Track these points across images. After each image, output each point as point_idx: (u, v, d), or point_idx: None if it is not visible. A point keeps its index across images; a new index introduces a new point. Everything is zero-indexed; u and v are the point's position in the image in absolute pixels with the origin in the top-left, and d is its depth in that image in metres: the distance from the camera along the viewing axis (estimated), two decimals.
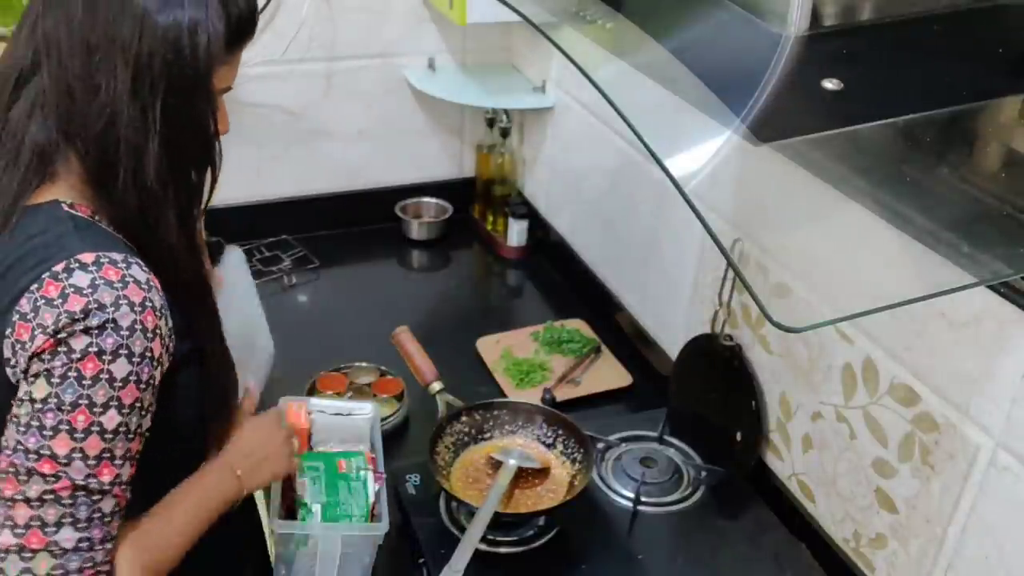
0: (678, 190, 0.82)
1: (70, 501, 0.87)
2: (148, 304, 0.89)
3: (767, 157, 0.91)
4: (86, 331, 0.86)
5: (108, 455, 0.89)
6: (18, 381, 0.88)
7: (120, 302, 0.87)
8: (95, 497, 0.89)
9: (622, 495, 1.51)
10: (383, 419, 1.61)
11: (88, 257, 0.88)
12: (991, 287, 1.06)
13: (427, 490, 1.49)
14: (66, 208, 0.92)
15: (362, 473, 1.30)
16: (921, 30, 0.91)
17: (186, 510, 1.03)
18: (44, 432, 0.86)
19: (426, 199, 2.42)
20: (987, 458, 1.12)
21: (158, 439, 0.96)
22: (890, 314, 1.21)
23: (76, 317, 0.85)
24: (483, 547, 1.38)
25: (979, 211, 1.00)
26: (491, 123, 2.27)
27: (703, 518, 1.49)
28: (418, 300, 2.17)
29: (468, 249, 2.38)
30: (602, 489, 1.53)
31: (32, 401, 0.86)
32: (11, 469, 0.87)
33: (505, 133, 2.27)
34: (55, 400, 0.86)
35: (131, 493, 0.93)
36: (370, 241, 2.35)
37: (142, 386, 0.90)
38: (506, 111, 2.25)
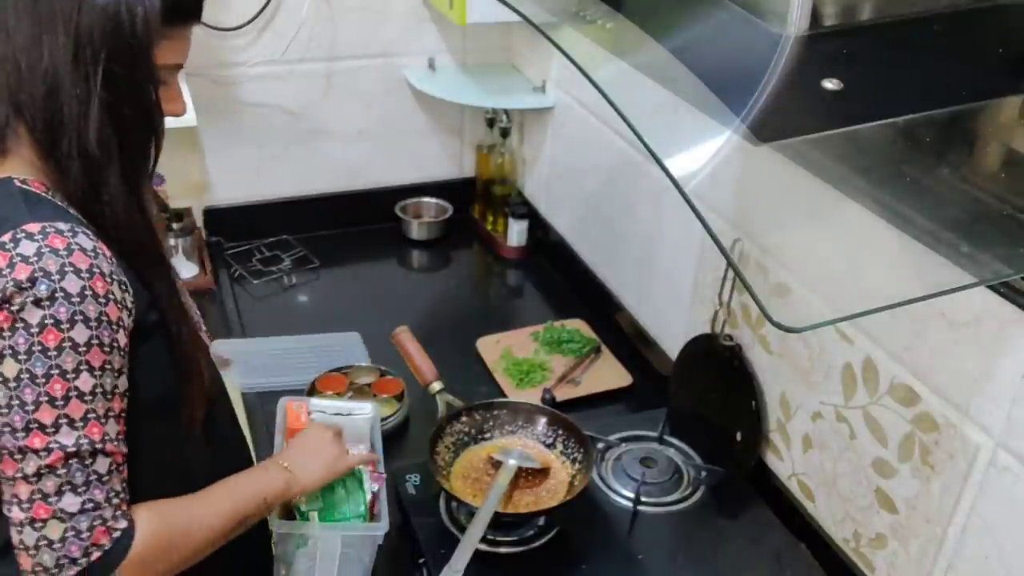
0: (678, 190, 0.82)
1: (64, 470, 0.91)
2: (96, 270, 0.92)
3: (767, 157, 0.91)
4: (37, 302, 0.88)
5: (93, 414, 0.92)
6: None
7: (66, 269, 0.90)
8: (87, 461, 0.92)
9: (622, 495, 1.51)
10: (383, 419, 1.61)
11: (34, 227, 0.91)
12: (991, 287, 1.06)
13: (427, 490, 1.49)
14: (18, 184, 0.95)
15: (358, 471, 1.30)
16: (921, 30, 0.91)
17: (223, 495, 1.08)
18: (27, 407, 0.90)
19: (426, 199, 2.42)
20: (987, 458, 1.12)
21: (131, 415, 0.99)
22: (890, 314, 1.21)
23: (23, 285, 0.88)
24: (483, 547, 1.38)
25: (979, 211, 1.00)
26: (491, 123, 2.27)
27: (703, 518, 1.49)
28: (418, 300, 2.17)
29: (468, 249, 2.38)
30: (602, 489, 1.53)
31: (5, 381, 0.89)
32: (3, 450, 0.91)
33: (505, 133, 2.27)
34: (27, 375, 0.89)
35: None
36: (370, 241, 2.35)
37: (106, 348, 0.93)
38: (506, 111, 2.25)
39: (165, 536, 0.99)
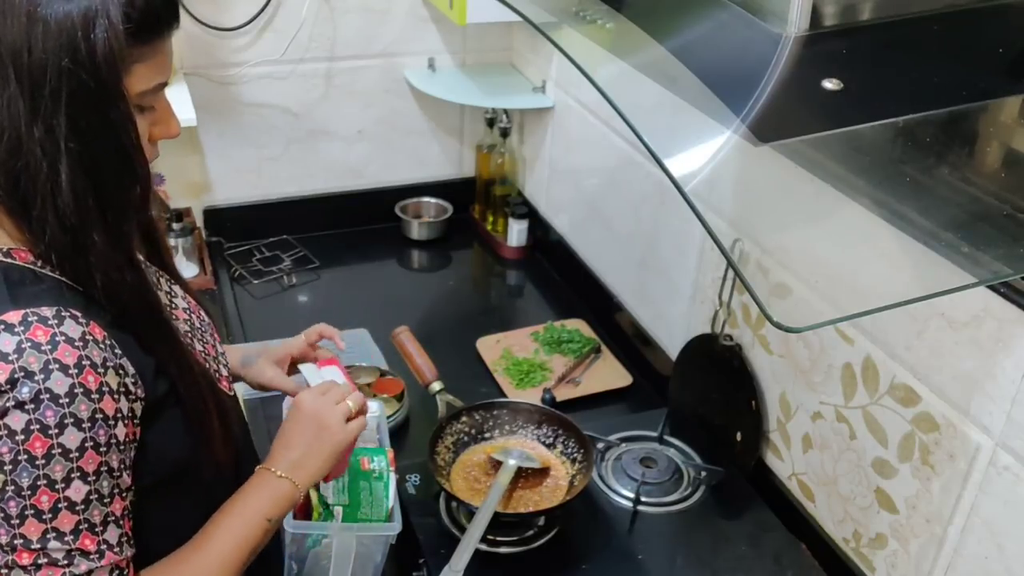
0: (678, 190, 0.82)
1: None
2: (85, 362, 0.82)
3: (767, 157, 0.91)
4: (19, 406, 0.79)
5: (86, 525, 0.83)
6: None
7: (51, 367, 0.80)
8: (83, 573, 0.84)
9: (622, 495, 1.51)
10: None
11: (14, 316, 0.81)
12: (991, 287, 1.06)
13: (427, 490, 1.49)
14: (0, 258, 0.85)
15: (385, 475, 1.30)
16: (921, 30, 0.91)
17: (221, 534, 0.96)
18: (12, 522, 0.81)
19: (426, 199, 2.42)
20: (987, 458, 1.12)
21: (158, 485, 0.92)
22: (890, 314, 1.21)
23: (2, 387, 0.79)
24: (483, 547, 1.38)
25: (979, 211, 1.00)
26: (491, 123, 2.27)
27: (703, 518, 1.49)
28: (418, 300, 2.17)
29: (468, 249, 2.38)
30: (602, 489, 1.53)
31: None
32: None
33: (505, 133, 2.27)
34: (12, 487, 0.80)
35: (140, 545, 0.90)
36: (370, 241, 2.35)
37: (102, 449, 0.83)
38: (506, 111, 2.25)
39: None
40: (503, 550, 1.39)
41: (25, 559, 0.81)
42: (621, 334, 1.96)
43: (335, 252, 2.26)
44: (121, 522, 0.87)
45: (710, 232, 0.87)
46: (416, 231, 2.36)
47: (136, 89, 0.85)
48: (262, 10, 2.05)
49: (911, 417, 1.22)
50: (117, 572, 0.86)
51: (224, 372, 1.10)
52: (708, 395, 1.63)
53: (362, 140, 2.32)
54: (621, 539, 1.44)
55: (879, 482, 1.29)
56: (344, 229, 2.37)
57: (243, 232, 2.28)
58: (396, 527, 1.24)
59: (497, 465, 1.46)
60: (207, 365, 1.04)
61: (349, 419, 1.08)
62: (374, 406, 1.44)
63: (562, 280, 2.21)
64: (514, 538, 1.41)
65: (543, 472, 1.48)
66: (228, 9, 2.04)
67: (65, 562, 0.82)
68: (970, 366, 1.12)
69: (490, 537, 1.39)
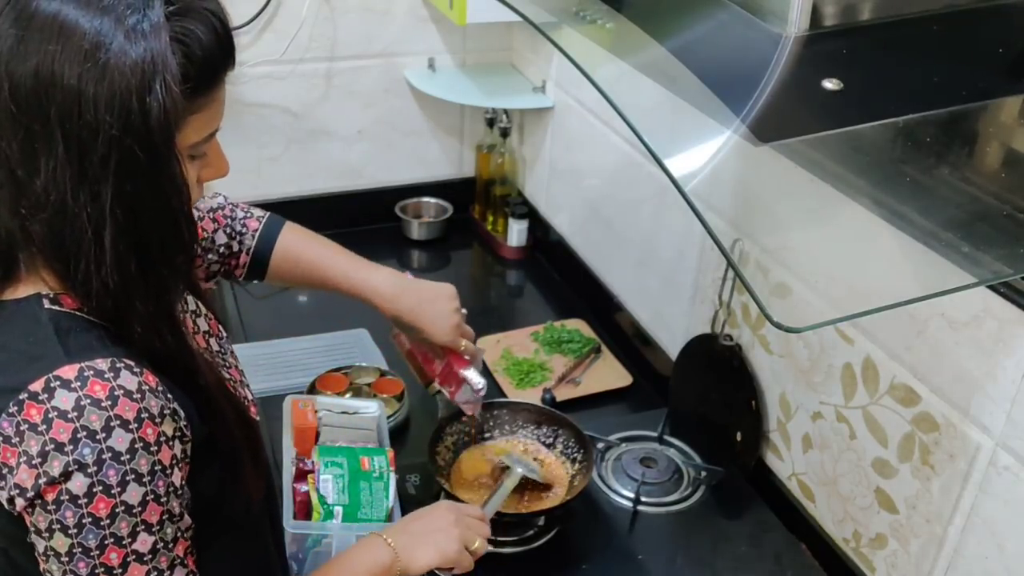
0: (678, 190, 0.82)
1: None
2: (144, 415, 0.79)
3: (767, 157, 0.91)
4: (81, 469, 0.77)
5: (156, 572, 0.83)
6: (12, 511, 0.80)
7: (112, 424, 0.78)
8: None
9: (622, 495, 1.51)
10: None
11: (70, 372, 0.78)
12: (991, 287, 1.06)
13: (427, 490, 1.49)
14: (47, 304, 0.82)
15: (385, 475, 1.30)
16: (921, 30, 0.91)
17: None
18: None
19: (426, 199, 2.42)
20: (987, 458, 1.12)
21: (203, 531, 0.91)
22: (890, 314, 1.21)
23: (63, 446, 0.77)
24: None
25: (979, 211, 1.00)
26: (491, 123, 2.27)
27: (703, 518, 1.49)
28: None
29: (468, 249, 2.38)
30: (602, 489, 1.53)
31: (58, 555, 0.79)
32: None
33: (505, 133, 2.27)
34: (80, 549, 0.79)
35: None
36: (370, 241, 2.34)
37: (163, 500, 0.82)
38: (506, 111, 2.25)
39: None
40: (503, 550, 1.39)
41: None
42: (621, 334, 1.96)
43: None
44: (185, 561, 0.86)
45: (710, 232, 0.87)
46: (416, 231, 2.36)
47: (190, 142, 0.82)
48: (262, 10, 2.05)
49: (911, 417, 1.22)
50: None
51: (250, 396, 1.08)
52: (708, 395, 1.63)
53: (362, 140, 2.32)
54: (621, 539, 1.44)
55: (879, 482, 1.29)
56: (344, 229, 2.35)
57: None
58: None
59: (499, 471, 1.46)
60: (236, 392, 1.02)
61: (467, 547, 1.13)
62: (374, 406, 1.44)
63: (562, 280, 2.21)
64: (514, 538, 1.41)
65: (544, 487, 1.47)
66: (228, 9, 2.03)
67: None
68: (970, 366, 1.12)
69: (490, 537, 1.39)
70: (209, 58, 0.80)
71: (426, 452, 1.46)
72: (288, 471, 1.34)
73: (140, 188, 0.77)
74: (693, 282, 1.69)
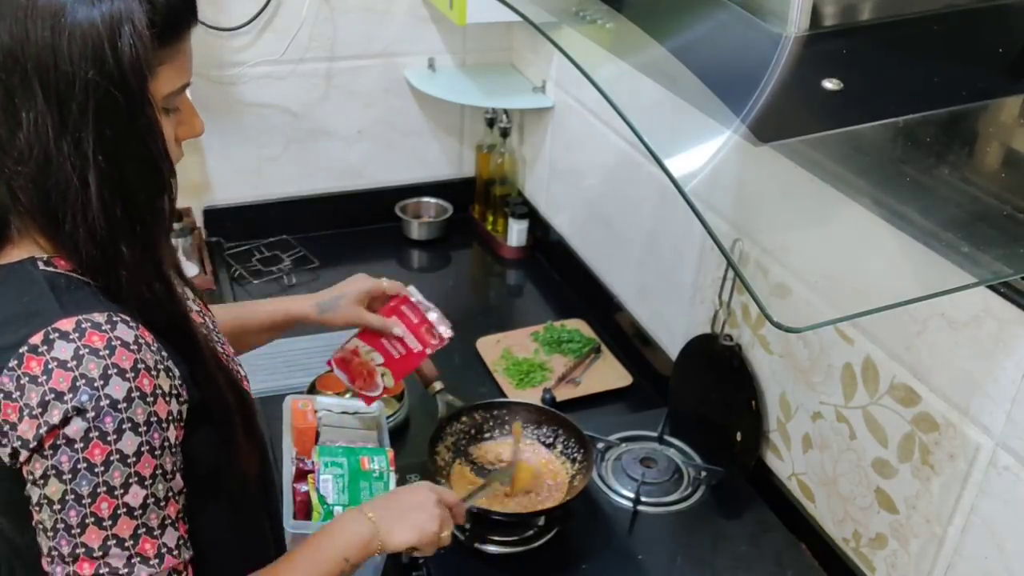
0: (678, 190, 0.82)
1: None
2: (140, 366, 0.82)
3: (767, 157, 0.91)
4: (80, 413, 0.79)
5: (144, 530, 0.84)
6: (14, 466, 0.82)
7: (109, 373, 0.80)
8: None
9: (622, 495, 1.51)
10: None
11: (68, 324, 0.80)
12: (991, 287, 1.06)
13: None
14: (42, 266, 0.85)
15: (385, 475, 1.30)
16: (921, 30, 0.91)
17: (304, 564, 0.99)
18: (72, 531, 0.81)
19: (426, 199, 2.42)
20: (987, 458, 1.12)
21: (189, 493, 0.91)
22: (890, 314, 1.21)
23: (63, 395, 0.79)
24: (483, 547, 1.38)
25: (979, 211, 1.00)
26: (491, 123, 2.27)
27: (703, 518, 1.49)
28: None
29: (468, 249, 2.38)
30: (602, 489, 1.53)
31: (50, 503, 0.81)
32: None
33: (505, 133, 2.27)
34: (72, 496, 0.80)
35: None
36: (370, 241, 2.35)
37: (157, 452, 0.83)
38: (506, 111, 2.25)
39: None
40: (504, 550, 1.39)
41: (87, 569, 0.82)
42: (621, 334, 1.96)
43: (335, 252, 2.26)
44: (177, 524, 0.87)
45: (710, 232, 0.87)
46: (416, 231, 2.36)
47: (162, 92, 0.84)
48: (262, 10, 2.05)
49: (911, 417, 1.22)
50: (175, 574, 0.86)
51: (243, 372, 1.10)
52: (708, 395, 1.63)
53: (362, 140, 2.32)
54: (621, 539, 1.44)
55: (879, 482, 1.29)
56: (344, 229, 2.37)
57: (243, 232, 2.28)
58: None
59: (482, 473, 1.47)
60: (230, 366, 1.04)
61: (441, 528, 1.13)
62: (374, 405, 1.44)
63: (562, 280, 2.21)
64: (514, 538, 1.41)
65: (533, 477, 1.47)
66: (228, 9, 2.04)
67: (126, 571, 0.83)
68: (970, 366, 1.12)
69: (491, 537, 1.39)
70: (172, 7, 0.83)
71: (426, 452, 1.46)
72: (288, 471, 1.34)
73: (119, 132, 0.80)
74: (693, 282, 1.69)
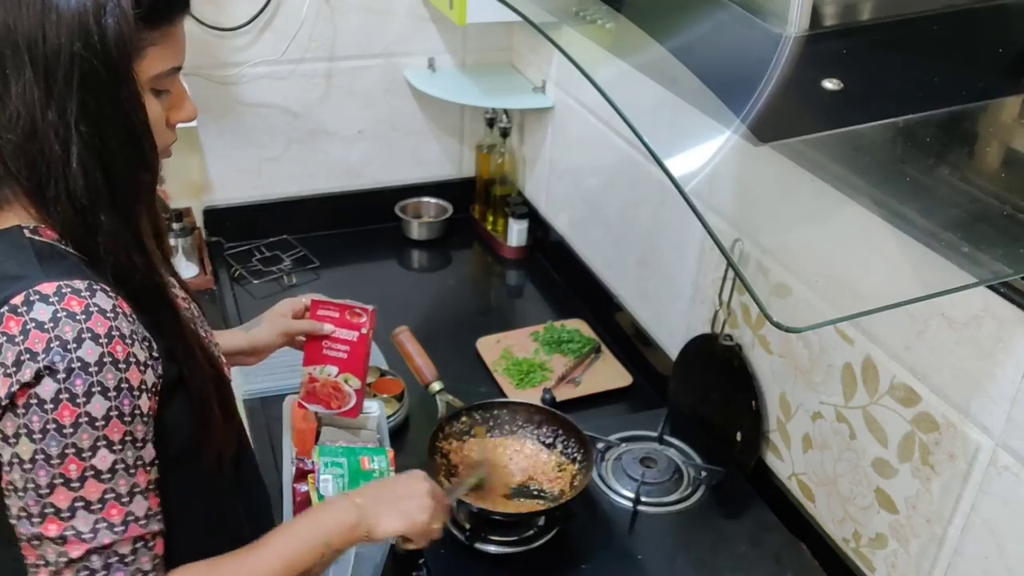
0: (678, 190, 0.82)
1: (83, 562, 0.85)
2: (115, 333, 0.84)
3: (767, 157, 0.91)
4: (52, 374, 0.81)
5: (112, 495, 0.86)
6: None
7: (83, 336, 0.82)
8: (108, 549, 0.86)
9: (622, 495, 1.51)
10: None
11: (49, 287, 0.83)
12: (991, 287, 1.06)
13: None
14: (28, 234, 0.88)
15: (385, 475, 1.30)
16: (921, 30, 0.91)
17: (278, 547, 0.99)
18: (41, 491, 0.84)
19: (426, 199, 2.42)
20: (987, 458, 1.12)
21: (163, 468, 0.93)
22: (890, 314, 1.21)
23: (37, 355, 0.81)
24: (483, 547, 1.38)
25: (979, 211, 1.00)
26: (491, 123, 2.27)
27: (703, 518, 1.49)
28: (418, 300, 2.16)
29: (468, 249, 2.38)
30: (602, 489, 1.53)
31: (21, 462, 0.83)
32: (23, 537, 0.85)
33: (505, 133, 2.27)
34: (42, 456, 0.83)
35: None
36: (370, 241, 2.35)
37: (127, 419, 0.86)
38: (506, 111, 2.25)
39: None
40: (504, 550, 1.39)
41: (53, 531, 0.84)
42: (621, 334, 1.96)
43: (335, 252, 2.26)
44: (147, 495, 0.89)
45: (710, 232, 0.87)
46: (416, 231, 2.36)
47: (151, 72, 0.88)
48: (262, 10, 2.05)
49: (911, 417, 1.22)
50: (141, 544, 0.88)
51: (224, 359, 1.12)
52: (708, 395, 1.63)
53: (362, 140, 2.32)
54: (621, 539, 1.44)
55: (879, 482, 1.29)
56: (344, 229, 2.37)
57: (243, 232, 2.28)
58: None
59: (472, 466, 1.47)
60: (210, 350, 1.05)
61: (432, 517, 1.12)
62: (375, 406, 1.44)
63: (562, 280, 2.21)
64: (514, 538, 1.41)
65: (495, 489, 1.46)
66: (228, 9, 2.04)
67: (90, 535, 0.85)
68: (970, 366, 1.12)
69: (491, 537, 1.39)
70: None
71: (426, 452, 1.46)
72: (288, 471, 1.34)
73: (102, 103, 0.84)
74: (693, 282, 1.69)
